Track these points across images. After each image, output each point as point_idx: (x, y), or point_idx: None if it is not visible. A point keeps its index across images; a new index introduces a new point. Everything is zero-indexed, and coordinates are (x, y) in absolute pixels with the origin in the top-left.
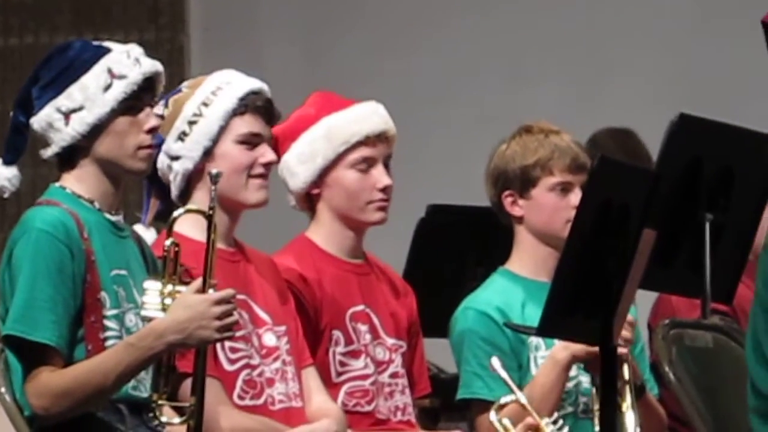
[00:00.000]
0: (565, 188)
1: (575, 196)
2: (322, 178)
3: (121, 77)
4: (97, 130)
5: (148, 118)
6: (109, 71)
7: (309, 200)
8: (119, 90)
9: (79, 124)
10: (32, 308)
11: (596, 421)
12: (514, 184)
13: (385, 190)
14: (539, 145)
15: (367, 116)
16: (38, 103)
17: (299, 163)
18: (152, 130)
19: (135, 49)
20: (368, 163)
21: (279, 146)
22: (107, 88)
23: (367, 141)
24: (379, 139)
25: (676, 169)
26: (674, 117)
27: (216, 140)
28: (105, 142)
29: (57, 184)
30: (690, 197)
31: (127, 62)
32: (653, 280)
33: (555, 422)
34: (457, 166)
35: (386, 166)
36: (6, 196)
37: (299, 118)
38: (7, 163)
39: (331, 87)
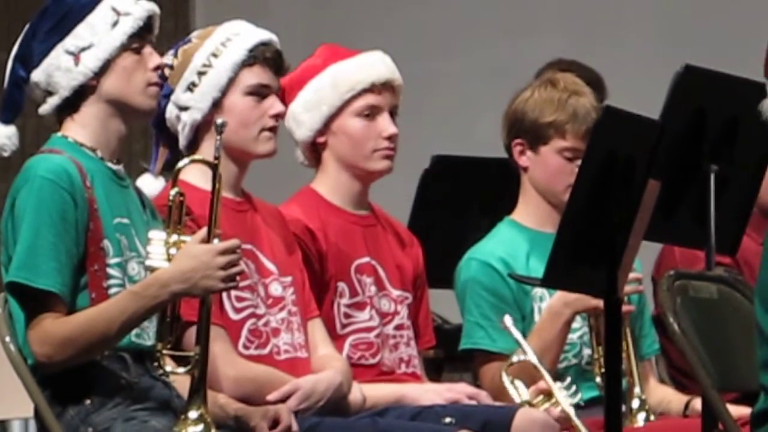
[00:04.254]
0: (573, 155)
1: None
2: (327, 126)
3: (127, 14)
4: (106, 67)
5: (152, 56)
6: (114, 9)
7: (315, 151)
8: (127, 25)
9: (91, 60)
10: (35, 255)
11: (596, 370)
12: (527, 135)
13: (390, 138)
14: (560, 105)
15: (373, 64)
16: (40, 53)
17: (305, 111)
18: (158, 68)
19: None
20: (373, 111)
21: (286, 97)
22: (114, 24)
23: (372, 89)
24: (384, 87)
25: (680, 120)
26: (679, 68)
27: (225, 91)
28: (112, 79)
29: (59, 134)
30: (695, 148)
31: (128, 1)
32: (657, 231)
33: (567, 387)
34: (462, 117)
35: (392, 115)
36: (7, 154)
37: (306, 68)
38: (6, 121)
39: (335, 37)
